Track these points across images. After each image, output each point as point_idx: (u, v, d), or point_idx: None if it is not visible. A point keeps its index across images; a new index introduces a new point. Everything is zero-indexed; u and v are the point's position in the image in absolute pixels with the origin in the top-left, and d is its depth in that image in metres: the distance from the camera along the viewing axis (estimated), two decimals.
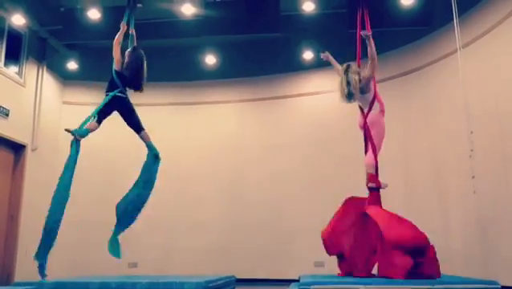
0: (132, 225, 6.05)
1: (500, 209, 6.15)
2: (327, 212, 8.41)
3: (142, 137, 5.82)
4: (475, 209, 6.54)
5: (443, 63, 7.45)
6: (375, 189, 5.44)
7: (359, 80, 5.45)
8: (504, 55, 6.24)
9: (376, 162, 5.43)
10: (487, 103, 6.48)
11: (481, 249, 6.46)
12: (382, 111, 5.56)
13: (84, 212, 8.92)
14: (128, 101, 5.67)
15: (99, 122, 5.49)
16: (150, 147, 5.88)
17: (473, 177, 6.22)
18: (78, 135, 5.29)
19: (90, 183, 8.92)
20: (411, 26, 7.65)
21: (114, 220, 8.83)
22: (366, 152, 5.64)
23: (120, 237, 8.68)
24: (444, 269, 6.90)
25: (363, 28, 5.82)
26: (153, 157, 5.91)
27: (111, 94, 5.50)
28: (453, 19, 6.65)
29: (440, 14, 7.36)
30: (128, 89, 5.67)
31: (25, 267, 7.86)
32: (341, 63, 8.51)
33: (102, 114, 5.48)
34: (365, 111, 5.59)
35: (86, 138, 5.43)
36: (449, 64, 7.24)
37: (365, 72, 5.54)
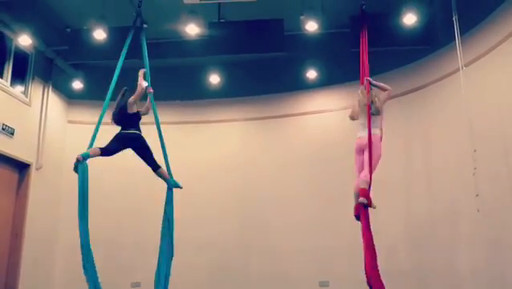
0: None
1: (505, 227, 6.12)
2: (331, 230, 8.42)
3: (160, 175, 5.92)
4: (479, 227, 6.50)
5: (445, 81, 7.48)
6: (365, 206, 5.32)
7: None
8: (506, 74, 6.28)
9: (371, 181, 5.38)
10: (490, 122, 6.49)
11: (485, 267, 6.40)
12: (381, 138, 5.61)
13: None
14: (137, 139, 5.77)
15: (105, 154, 5.60)
16: (170, 183, 6.00)
17: (477, 195, 6.20)
18: (81, 155, 5.40)
19: (95, 204, 8.88)
20: (413, 45, 7.69)
21: (115, 238, 8.85)
22: (359, 171, 5.62)
23: (123, 255, 8.68)
24: (450, 287, 6.86)
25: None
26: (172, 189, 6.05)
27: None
28: (454, 39, 6.70)
29: (442, 34, 7.42)
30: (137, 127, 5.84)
31: (28, 285, 7.83)
32: (343, 81, 8.64)
33: (108, 150, 5.61)
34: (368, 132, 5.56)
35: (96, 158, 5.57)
36: (451, 83, 7.27)
37: (380, 96, 5.67)
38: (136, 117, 5.83)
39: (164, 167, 5.99)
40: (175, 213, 8.83)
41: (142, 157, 5.87)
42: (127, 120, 5.78)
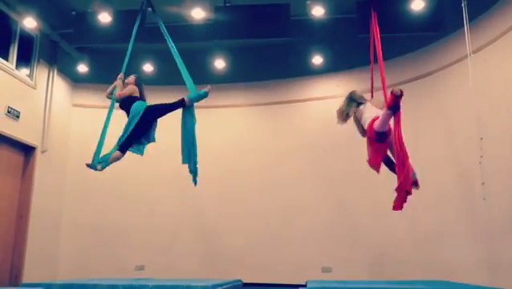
0: None
1: (510, 216, 6.10)
2: (334, 217, 8.43)
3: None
4: (485, 215, 6.49)
5: (453, 68, 7.42)
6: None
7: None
8: None
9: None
10: (498, 109, 6.44)
11: (490, 256, 6.40)
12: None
13: (93, 215, 8.97)
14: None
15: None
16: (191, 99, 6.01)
17: (483, 183, 6.18)
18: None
19: (100, 188, 8.94)
20: (421, 31, 7.60)
21: (121, 224, 8.91)
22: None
23: (127, 239, 8.73)
24: (453, 276, 6.87)
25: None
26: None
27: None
28: (463, 25, 6.63)
29: (451, 20, 7.34)
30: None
31: (33, 268, 7.91)
32: (350, 67, 8.60)
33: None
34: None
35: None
36: (459, 70, 7.21)
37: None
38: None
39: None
40: (175, 197, 8.91)
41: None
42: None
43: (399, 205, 4.93)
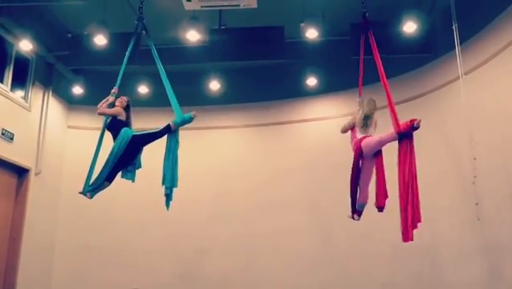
0: None
1: (504, 236, 6.10)
2: (331, 239, 8.38)
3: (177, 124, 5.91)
4: (479, 235, 6.48)
5: (445, 89, 7.49)
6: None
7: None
8: (506, 82, 6.28)
9: None
10: (490, 130, 6.49)
11: (485, 276, 6.37)
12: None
13: (87, 237, 8.88)
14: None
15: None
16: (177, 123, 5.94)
17: (477, 203, 6.19)
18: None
19: (93, 210, 8.87)
20: (413, 53, 7.71)
21: (115, 246, 8.82)
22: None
23: (121, 261, 8.64)
24: None
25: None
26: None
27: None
28: (454, 47, 6.72)
29: (442, 42, 7.44)
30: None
31: None
32: (344, 88, 8.64)
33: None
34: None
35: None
36: (451, 91, 7.28)
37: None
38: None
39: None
40: (172, 219, 8.84)
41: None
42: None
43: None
